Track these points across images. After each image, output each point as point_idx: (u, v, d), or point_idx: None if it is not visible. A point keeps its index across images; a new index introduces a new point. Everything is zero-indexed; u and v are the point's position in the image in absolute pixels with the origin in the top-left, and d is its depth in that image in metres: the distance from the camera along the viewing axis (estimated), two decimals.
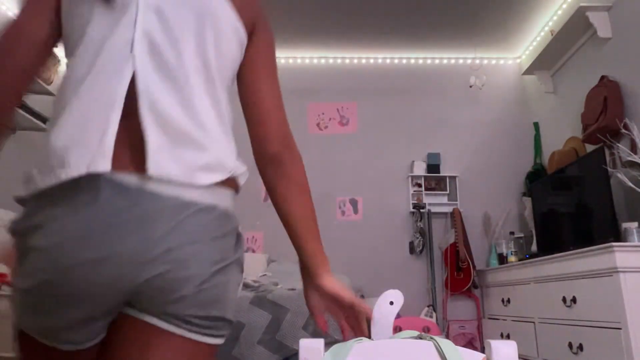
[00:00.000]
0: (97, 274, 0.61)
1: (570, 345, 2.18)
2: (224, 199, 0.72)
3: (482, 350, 0.72)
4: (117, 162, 0.62)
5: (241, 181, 0.78)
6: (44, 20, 0.71)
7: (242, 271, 0.81)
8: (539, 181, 3.20)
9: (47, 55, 0.74)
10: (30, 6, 0.72)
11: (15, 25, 0.71)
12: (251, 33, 0.79)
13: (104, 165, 0.61)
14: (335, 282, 0.85)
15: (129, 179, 0.63)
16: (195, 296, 0.66)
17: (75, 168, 0.60)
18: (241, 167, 0.76)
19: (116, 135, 0.63)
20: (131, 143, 0.64)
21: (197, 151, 0.68)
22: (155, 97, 0.65)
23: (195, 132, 0.68)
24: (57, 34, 0.73)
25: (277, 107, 0.82)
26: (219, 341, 0.73)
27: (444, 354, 0.71)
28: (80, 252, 0.60)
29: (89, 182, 0.61)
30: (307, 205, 0.84)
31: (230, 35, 0.74)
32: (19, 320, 0.66)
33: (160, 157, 0.64)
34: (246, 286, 2.33)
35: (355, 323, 0.86)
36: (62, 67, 3.81)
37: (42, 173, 0.62)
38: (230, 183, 0.74)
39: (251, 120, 0.82)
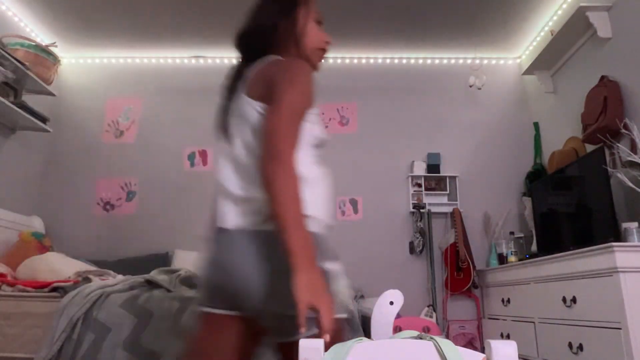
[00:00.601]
0: (213, 279, 1.08)
1: (570, 345, 2.18)
2: (253, 224, 1.05)
3: (482, 350, 0.72)
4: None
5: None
6: None
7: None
8: (539, 181, 3.19)
9: None
10: None
11: None
12: (270, 88, 1.05)
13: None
14: (295, 285, 0.89)
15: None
16: (251, 299, 1.00)
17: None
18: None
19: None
20: None
21: (236, 201, 1.07)
22: (222, 181, 1.11)
23: (238, 190, 1.07)
24: None
25: (271, 129, 0.99)
26: (307, 333, 0.88)
27: (444, 354, 0.71)
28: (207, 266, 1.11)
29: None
30: (278, 215, 0.95)
31: (252, 114, 1.09)
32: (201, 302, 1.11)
33: (223, 213, 1.08)
34: None
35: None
36: (62, 67, 3.81)
37: None
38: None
39: None
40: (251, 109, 1.09)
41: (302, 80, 1.05)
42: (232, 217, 1.06)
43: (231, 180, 1.09)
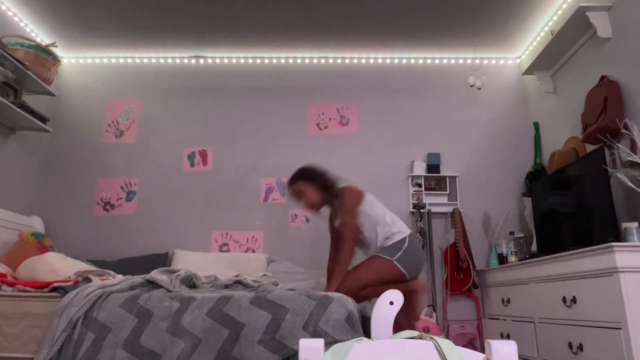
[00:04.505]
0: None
1: (570, 345, 2.18)
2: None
3: (482, 350, 0.72)
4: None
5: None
6: None
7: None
8: (539, 181, 3.19)
9: None
10: None
11: None
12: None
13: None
14: None
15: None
16: None
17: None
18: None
19: None
20: None
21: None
22: None
23: None
24: None
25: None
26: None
27: (444, 354, 0.71)
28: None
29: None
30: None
31: None
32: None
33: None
34: (246, 286, 2.33)
35: None
36: (62, 67, 3.81)
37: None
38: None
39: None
40: None
41: None
42: None
43: None
